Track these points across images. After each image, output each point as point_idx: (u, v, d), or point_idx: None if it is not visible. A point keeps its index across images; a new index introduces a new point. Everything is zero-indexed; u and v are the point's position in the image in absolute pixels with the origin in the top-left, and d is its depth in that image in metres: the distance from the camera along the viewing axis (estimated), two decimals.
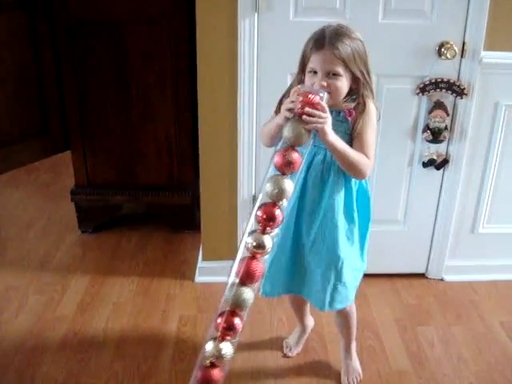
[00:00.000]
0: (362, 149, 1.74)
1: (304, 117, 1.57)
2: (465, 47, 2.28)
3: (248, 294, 1.56)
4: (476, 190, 2.56)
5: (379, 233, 2.60)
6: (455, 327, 2.43)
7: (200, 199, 2.61)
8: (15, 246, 2.96)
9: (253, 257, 1.57)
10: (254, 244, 1.56)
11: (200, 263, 2.72)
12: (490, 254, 2.71)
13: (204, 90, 2.37)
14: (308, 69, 1.71)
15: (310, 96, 1.59)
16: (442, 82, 2.31)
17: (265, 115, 2.36)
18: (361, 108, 1.75)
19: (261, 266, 1.57)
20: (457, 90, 2.32)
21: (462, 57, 2.30)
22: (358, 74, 1.70)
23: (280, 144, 1.61)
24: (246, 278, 1.55)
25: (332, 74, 1.67)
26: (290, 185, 1.58)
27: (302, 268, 1.94)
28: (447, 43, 2.26)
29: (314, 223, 1.86)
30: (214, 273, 2.61)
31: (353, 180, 1.84)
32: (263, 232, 1.57)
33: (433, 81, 2.31)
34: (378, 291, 2.63)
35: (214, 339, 1.57)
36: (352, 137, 1.76)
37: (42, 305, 2.50)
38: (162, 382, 2.09)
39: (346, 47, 1.66)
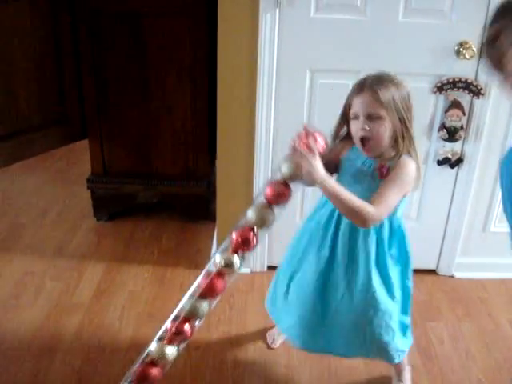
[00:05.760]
0: (376, 197, 1.66)
1: (291, 150, 1.60)
2: (483, 48, 2.29)
3: (205, 307, 1.62)
4: (489, 190, 2.57)
5: None
6: (464, 324, 2.46)
7: (215, 190, 2.63)
8: (31, 232, 3.00)
9: (219, 274, 1.62)
10: (223, 263, 1.61)
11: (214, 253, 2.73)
12: (500, 253, 2.70)
13: (223, 83, 2.39)
14: (351, 115, 1.71)
15: (302, 135, 1.62)
16: (460, 81, 2.33)
17: (283, 109, 2.40)
18: (395, 161, 1.70)
19: (224, 284, 1.63)
20: (474, 89, 2.34)
21: (480, 57, 2.29)
22: (397, 122, 1.66)
23: (276, 177, 1.64)
24: (208, 292, 1.61)
25: (375, 118, 1.65)
26: (272, 216, 1.62)
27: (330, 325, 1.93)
28: (466, 43, 2.26)
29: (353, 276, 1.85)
30: None
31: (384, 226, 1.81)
32: (234, 253, 1.62)
33: (450, 80, 2.33)
34: None
35: (161, 339, 1.62)
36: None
37: (59, 291, 2.54)
38: (178, 369, 2.12)
39: (385, 91, 1.64)
